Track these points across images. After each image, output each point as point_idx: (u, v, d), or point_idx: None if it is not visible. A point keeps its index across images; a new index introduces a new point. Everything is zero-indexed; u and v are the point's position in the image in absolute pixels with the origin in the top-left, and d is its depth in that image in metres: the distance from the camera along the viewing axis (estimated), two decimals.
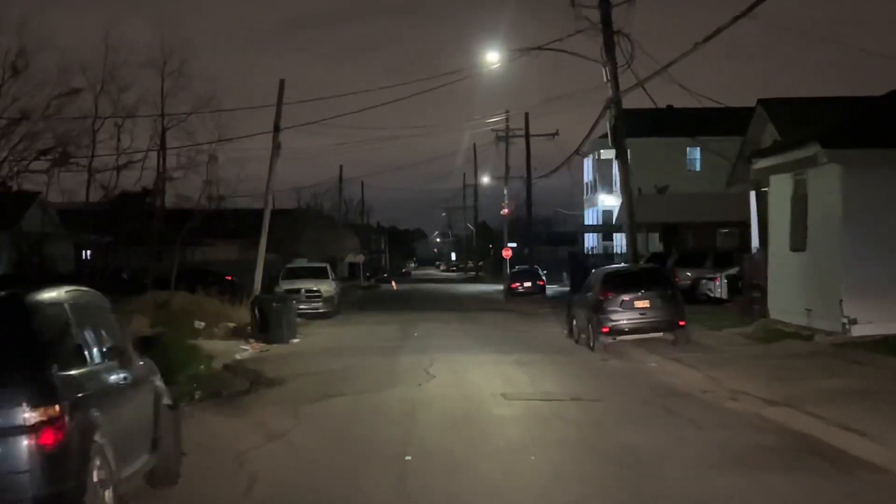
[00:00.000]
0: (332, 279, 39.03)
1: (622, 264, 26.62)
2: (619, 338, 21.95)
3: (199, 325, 26.83)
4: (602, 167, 66.75)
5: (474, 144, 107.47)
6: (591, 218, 69.15)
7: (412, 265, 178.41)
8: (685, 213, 50.60)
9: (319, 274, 38.71)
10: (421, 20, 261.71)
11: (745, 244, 43.13)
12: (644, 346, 21.84)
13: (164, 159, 37.22)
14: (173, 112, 36.83)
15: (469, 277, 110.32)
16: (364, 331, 30.28)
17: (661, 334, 21.99)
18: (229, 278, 54.97)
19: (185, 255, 72.49)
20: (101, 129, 36.66)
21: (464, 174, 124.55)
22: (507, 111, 62.99)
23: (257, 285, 33.93)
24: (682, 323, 21.82)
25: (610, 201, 66.21)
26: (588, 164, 70.20)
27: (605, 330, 21.73)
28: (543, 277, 50.84)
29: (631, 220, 28.01)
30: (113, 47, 36.32)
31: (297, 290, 37.10)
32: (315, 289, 37.13)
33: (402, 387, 16.92)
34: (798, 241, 22.97)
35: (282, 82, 34.52)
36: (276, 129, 34.51)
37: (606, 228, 61.40)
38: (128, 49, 45.37)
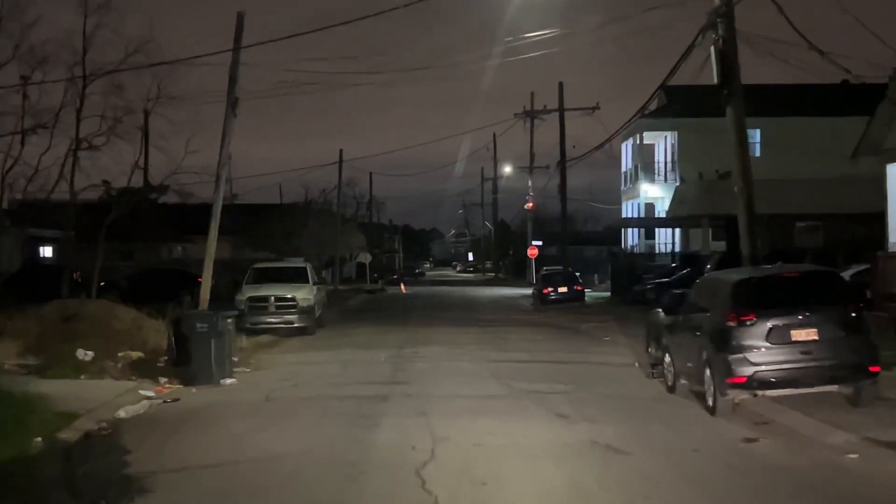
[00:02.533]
0: (315, 283, 29.79)
1: (751, 266, 16.74)
2: (763, 392, 12.66)
3: (85, 355, 17.67)
4: (645, 152, 57.34)
5: (494, 134, 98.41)
6: (629, 211, 59.76)
7: (427, 266, 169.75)
8: (757, 204, 41.11)
9: (296, 276, 29.49)
10: (430, 20, 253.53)
11: (853, 239, 33.79)
12: (801, 405, 12.58)
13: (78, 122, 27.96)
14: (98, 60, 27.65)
15: (487, 279, 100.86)
16: (343, 360, 21.01)
17: (834, 388, 12.68)
18: (201, 280, 46.37)
19: (162, 254, 63.64)
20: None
21: (482, 168, 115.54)
22: (531, 93, 53.65)
23: (204, 296, 24.82)
24: (873, 368, 12.48)
25: (654, 191, 56.76)
26: (627, 149, 60.79)
27: (739, 380, 12.42)
28: (581, 281, 41.51)
29: (748, 199, 18.65)
30: None
31: (264, 299, 27.95)
32: (288, 296, 27.94)
33: None
34: None
35: (240, 16, 25.27)
36: (232, 80, 25.30)
37: (655, 223, 51.82)
38: None
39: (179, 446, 11.81)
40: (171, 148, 31.77)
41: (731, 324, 12.57)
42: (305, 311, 27.98)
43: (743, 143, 18.50)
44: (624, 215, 61.57)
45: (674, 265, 46.06)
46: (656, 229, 57.69)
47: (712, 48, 17.77)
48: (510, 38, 73.44)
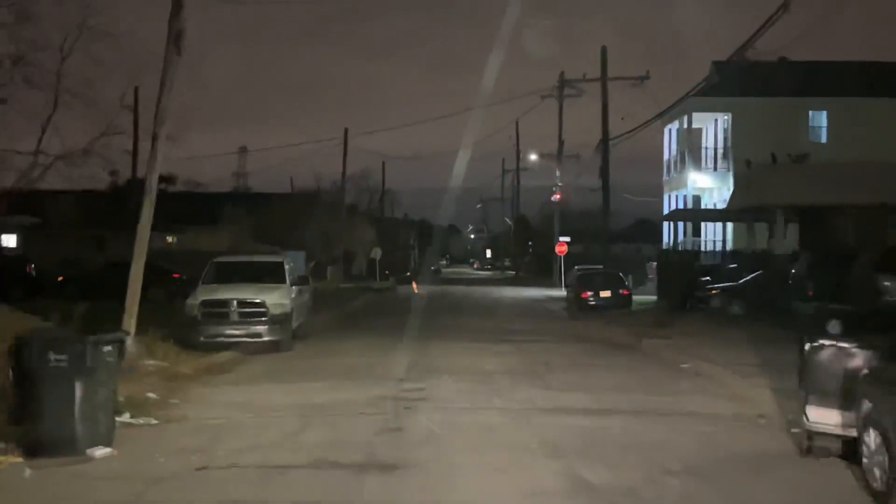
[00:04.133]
0: (293, 283, 22.71)
1: None
2: None
3: None
4: (693, 137, 50.10)
5: (517, 122, 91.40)
6: (672, 205, 52.51)
7: (443, 263, 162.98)
8: (841, 192, 33.88)
9: (269, 274, 22.43)
10: (451, 17, 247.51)
11: None
12: None
13: None
14: None
15: (507, 278, 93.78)
16: (310, 403, 13.89)
17: None
18: (177, 276, 39.58)
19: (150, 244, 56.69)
20: None
21: (503, 160, 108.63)
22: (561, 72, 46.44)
23: (129, 306, 18.04)
24: None
25: (704, 181, 49.56)
26: (670, 134, 53.59)
27: None
28: (628, 284, 34.34)
29: None
30: None
31: (224, 304, 20.92)
32: (256, 301, 20.91)
33: None
34: None
35: None
36: (178, 3, 18.36)
37: (714, 215, 44.35)
38: None
39: None
40: (105, 98, 24.67)
41: None
42: (279, 321, 20.96)
43: None
44: (666, 209, 54.34)
45: (732, 266, 38.87)
46: (702, 224, 50.44)
47: None
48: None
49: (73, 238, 52.84)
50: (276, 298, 21.20)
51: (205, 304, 20.85)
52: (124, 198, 55.22)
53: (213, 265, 22.92)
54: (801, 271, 27.78)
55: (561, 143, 65.49)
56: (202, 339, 20.51)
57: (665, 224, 53.65)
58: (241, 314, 20.84)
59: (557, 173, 66.46)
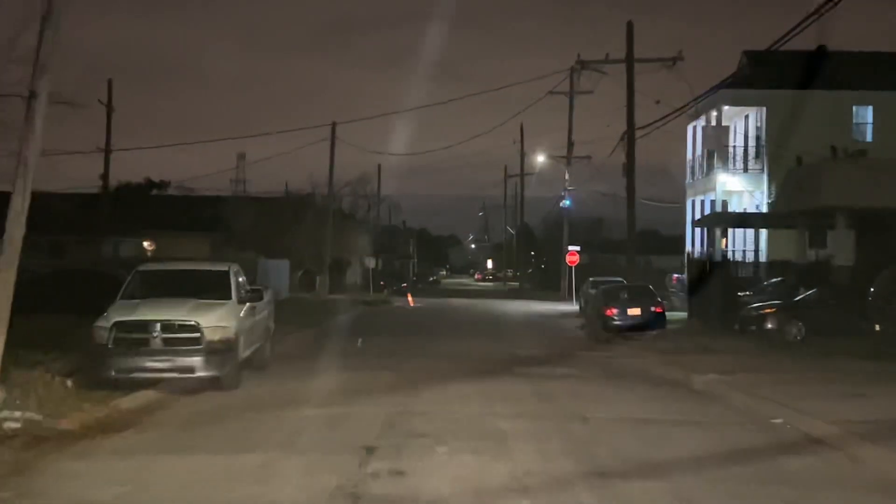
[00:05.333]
0: (242, 298, 17.24)
1: None
2: None
3: None
4: (721, 135, 44.65)
5: (521, 125, 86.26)
6: (698, 210, 47.12)
7: (443, 273, 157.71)
8: None
9: (209, 286, 16.97)
10: (456, 26, 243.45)
11: None
12: None
13: None
14: None
15: (511, 290, 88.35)
16: (215, 500, 8.58)
17: None
18: None
19: (105, 250, 51.45)
20: None
21: (505, 166, 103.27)
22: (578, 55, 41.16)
23: None
24: None
25: (735, 183, 44.24)
26: (694, 133, 48.22)
27: None
28: (661, 300, 28.85)
29: None
30: None
31: (143, 327, 15.47)
32: (187, 323, 15.47)
33: None
34: None
35: None
36: None
37: (757, 220, 38.61)
38: None
39: None
40: None
41: None
42: (218, 350, 15.53)
43: None
44: (689, 215, 48.97)
45: (778, 279, 33.49)
46: (729, 231, 44.86)
47: None
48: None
49: (25, 244, 47.54)
50: (215, 320, 15.79)
51: (119, 326, 15.43)
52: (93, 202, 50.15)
53: (137, 275, 17.47)
54: (884, 288, 22.43)
55: (571, 143, 60.28)
56: (113, 374, 15.18)
57: (690, 232, 48.24)
58: (167, 341, 15.43)
59: (566, 176, 61.20)
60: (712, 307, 30.69)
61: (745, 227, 39.98)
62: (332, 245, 62.38)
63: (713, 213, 39.57)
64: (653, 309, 27.83)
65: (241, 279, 18.06)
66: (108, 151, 51.07)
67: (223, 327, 15.79)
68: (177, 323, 15.54)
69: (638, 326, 27.40)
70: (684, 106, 30.22)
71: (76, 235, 49.45)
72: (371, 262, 66.20)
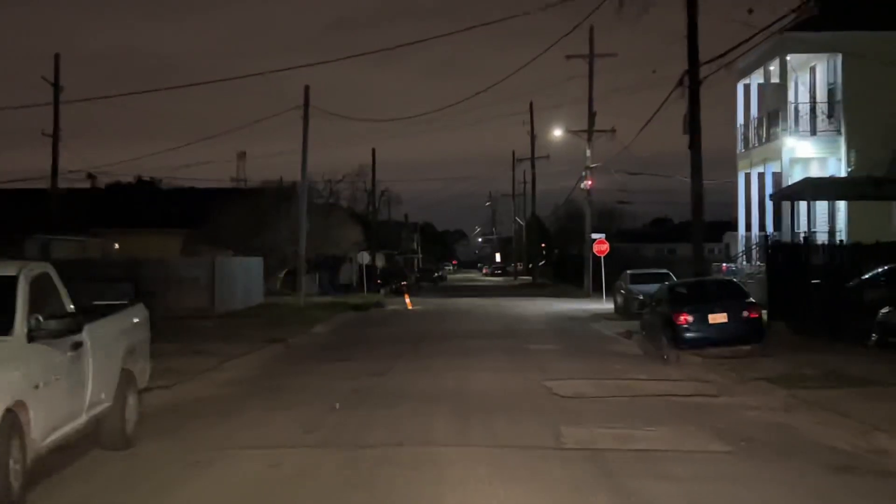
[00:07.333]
0: (41, 333, 8.72)
1: None
2: None
3: None
4: (782, 91, 36.12)
5: (531, 103, 77.88)
6: (753, 184, 38.58)
7: (450, 268, 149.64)
8: None
9: None
10: (453, 23, 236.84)
11: None
12: None
13: None
14: None
15: (522, 285, 79.72)
16: None
17: None
18: None
19: (28, 250, 43.16)
20: None
21: (513, 152, 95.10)
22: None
23: None
24: None
25: (805, 149, 35.78)
26: (747, 92, 39.65)
27: None
28: (754, 303, 20.22)
29: None
30: None
31: None
32: None
33: None
34: None
35: None
36: None
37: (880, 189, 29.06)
38: None
39: None
40: None
41: None
42: None
43: None
44: (742, 190, 40.45)
45: (889, 267, 24.95)
46: (804, 207, 36.07)
47: None
48: None
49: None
50: None
51: None
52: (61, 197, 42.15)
53: None
54: None
55: (592, 114, 51.86)
56: None
57: (743, 212, 39.68)
58: None
59: (587, 152, 52.71)
60: (812, 307, 22.42)
61: (856, 198, 30.98)
62: (323, 240, 54.29)
63: (805, 180, 30.93)
64: (745, 314, 19.32)
65: (58, 293, 9.60)
66: (56, 138, 43.05)
67: None
68: None
69: (725, 340, 19.01)
70: (762, 28, 21.70)
71: (50, 233, 41.89)
72: (365, 259, 57.91)
